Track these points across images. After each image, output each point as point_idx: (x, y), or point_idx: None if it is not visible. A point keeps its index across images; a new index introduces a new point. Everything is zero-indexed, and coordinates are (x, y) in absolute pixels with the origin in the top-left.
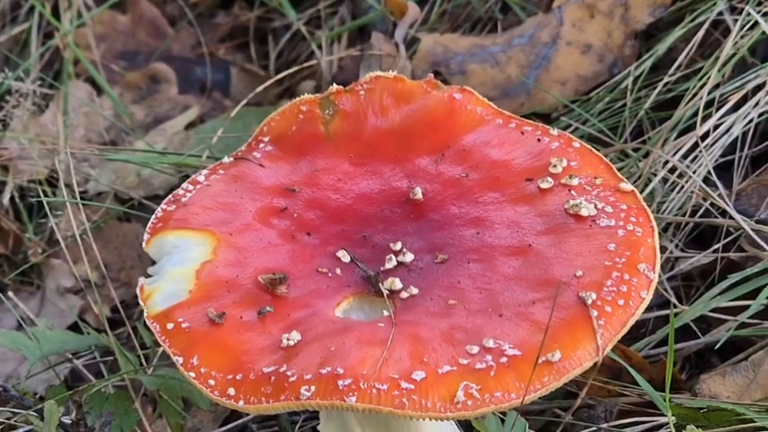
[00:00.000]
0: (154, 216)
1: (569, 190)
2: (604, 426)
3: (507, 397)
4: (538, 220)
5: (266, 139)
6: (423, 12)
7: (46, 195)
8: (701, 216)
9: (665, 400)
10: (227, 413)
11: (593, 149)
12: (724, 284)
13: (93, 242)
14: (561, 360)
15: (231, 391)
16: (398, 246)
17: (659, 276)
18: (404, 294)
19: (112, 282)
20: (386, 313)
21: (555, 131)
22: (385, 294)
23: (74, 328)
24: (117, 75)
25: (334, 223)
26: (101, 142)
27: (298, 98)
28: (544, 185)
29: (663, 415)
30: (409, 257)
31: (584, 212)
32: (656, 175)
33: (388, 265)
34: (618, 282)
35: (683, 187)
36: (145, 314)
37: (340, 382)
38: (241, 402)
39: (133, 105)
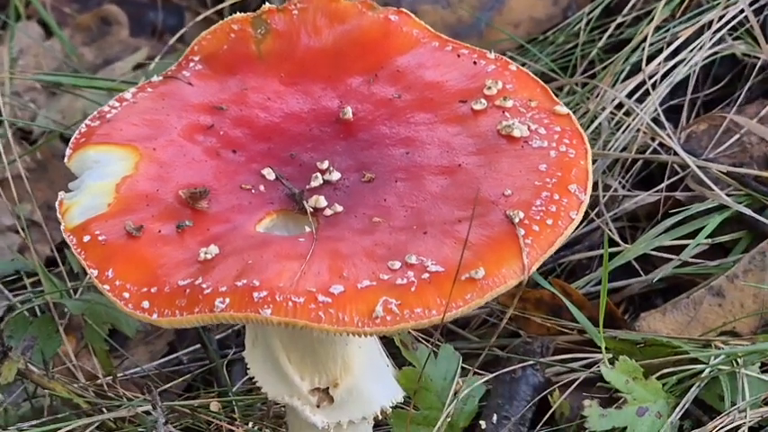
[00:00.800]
0: (77, 131)
1: (503, 111)
2: (540, 360)
3: (427, 314)
4: (469, 140)
5: (196, 59)
6: None
7: None
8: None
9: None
10: (163, 350)
11: (530, 74)
12: (668, 222)
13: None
14: (485, 277)
15: (145, 303)
16: (325, 165)
17: (604, 216)
18: (328, 212)
19: (55, 222)
20: (308, 229)
21: (492, 55)
22: (308, 211)
23: None
24: (68, 17)
25: (260, 141)
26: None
27: (229, 17)
28: (477, 107)
29: (600, 352)
30: (336, 176)
31: (516, 133)
32: (603, 112)
33: (314, 184)
34: (547, 201)
35: (629, 126)
36: (62, 228)
37: (255, 294)
38: (155, 315)
39: (83, 47)
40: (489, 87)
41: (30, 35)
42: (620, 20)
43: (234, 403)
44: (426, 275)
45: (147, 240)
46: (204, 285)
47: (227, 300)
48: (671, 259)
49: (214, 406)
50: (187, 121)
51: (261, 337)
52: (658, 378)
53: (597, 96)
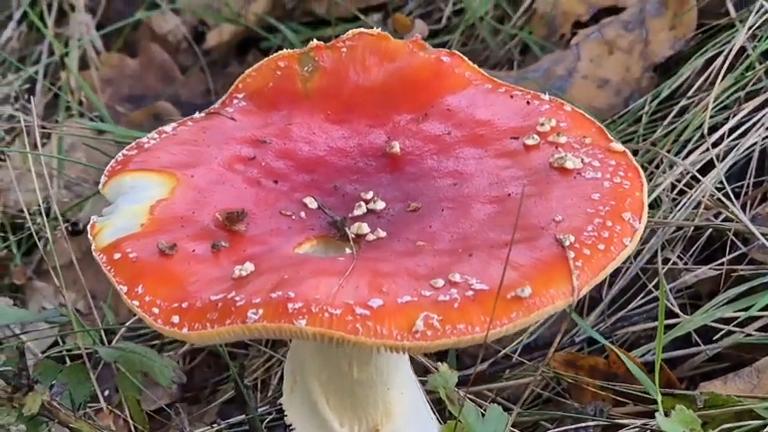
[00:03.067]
0: (113, 160)
1: (556, 147)
2: (592, 424)
3: (470, 330)
4: (520, 173)
5: (240, 96)
6: None
7: (38, 226)
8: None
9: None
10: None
11: (585, 114)
12: (730, 293)
13: (81, 273)
14: (532, 296)
15: (175, 318)
16: (370, 195)
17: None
18: (370, 237)
19: (98, 311)
20: (348, 252)
21: (546, 96)
22: (350, 237)
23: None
24: (121, 115)
25: (303, 173)
26: (97, 179)
27: (276, 54)
28: (530, 142)
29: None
30: (380, 205)
31: (569, 165)
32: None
33: (357, 212)
34: (599, 227)
35: (691, 197)
36: (92, 248)
37: (290, 305)
38: (185, 329)
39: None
40: (542, 124)
41: (80, 132)
42: (683, 102)
43: None
44: (470, 293)
45: (179, 258)
46: (237, 298)
47: (261, 311)
48: (732, 332)
49: None
50: (228, 152)
51: (299, 382)
52: None
53: (657, 167)
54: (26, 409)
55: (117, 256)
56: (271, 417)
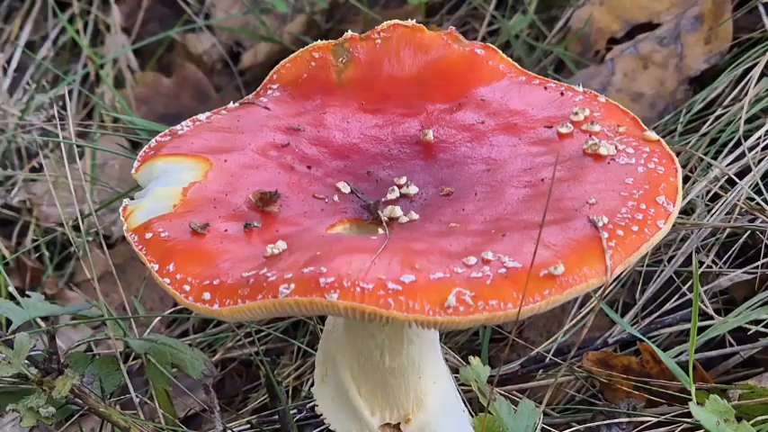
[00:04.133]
0: (147, 146)
1: (590, 135)
2: (624, 420)
3: (503, 306)
4: (553, 159)
5: (275, 87)
6: None
7: (70, 239)
8: (745, 233)
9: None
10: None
11: (620, 105)
12: (766, 296)
13: (119, 280)
14: (565, 274)
15: (206, 295)
16: (403, 180)
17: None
18: (403, 219)
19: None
20: (381, 232)
21: (580, 88)
22: (383, 221)
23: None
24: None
25: (337, 159)
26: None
27: (310, 44)
28: (563, 130)
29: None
30: (413, 190)
31: (602, 151)
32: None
33: (390, 196)
34: (633, 210)
35: (726, 201)
36: (124, 229)
37: (322, 280)
38: (216, 306)
39: None
40: (576, 113)
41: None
42: (719, 112)
43: None
44: (503, 270)
45: (211, 238)
46: (269, 274)
47: (292, 285)
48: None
49: None
50: (262, 139)
51: (330, 372)
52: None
53: (692, 171)
54: (56, 392)
55: (149, 235)
56: (301, 415)
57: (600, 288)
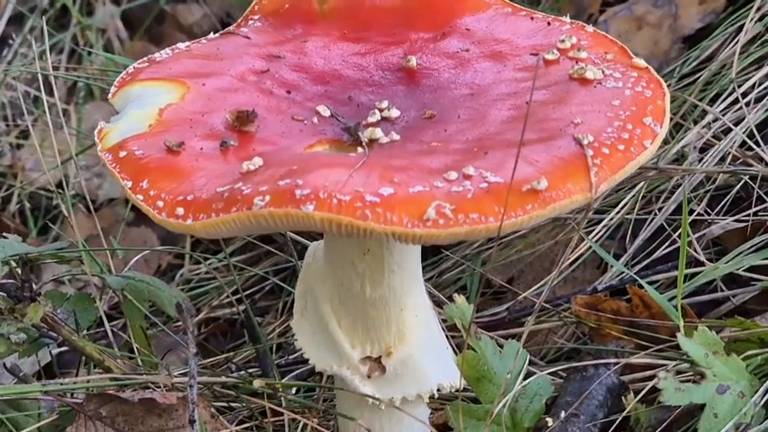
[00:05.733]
0: (124, 72)
1: (576, 61)
2: (613, 361)
3: (484, 220)
4: (538, 84)
5: (256, 17)
6: None
7: (55, 202)
8: (738, 183)
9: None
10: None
11: (608, 35)
12: (757, 241)
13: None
14: (548, 189)
15: (180, 210)
16: (385, 104)
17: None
18: (384, 140)
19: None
20: (360, 151)
21: (567, 19)
22: (363, 141)
23: None
24: None
25: (317, 84)
26: None
27: None
28: (549, 56)
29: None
30: (395, 113)
31: (589, 75)
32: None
33: (371, 119)
34: (619, 129)
35: (718, 149)
36: (98, 149)
37: (298, 192)
38: (189, 220)
39: None
40: (563, 41)
41: (100, 114)
42: (713, 66)
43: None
44: (484, 185)
45: (186, 155)
46: (244, 188)
47: (267, 197)
48: (760, 280)
49: (258, 383)
50: (242, 66)
51: (310, 305)
52: (742, 360)
53: (684, 119)
54: (27, 319)
55: (123, 153)
56: (283, 360)
57: (584, 209)
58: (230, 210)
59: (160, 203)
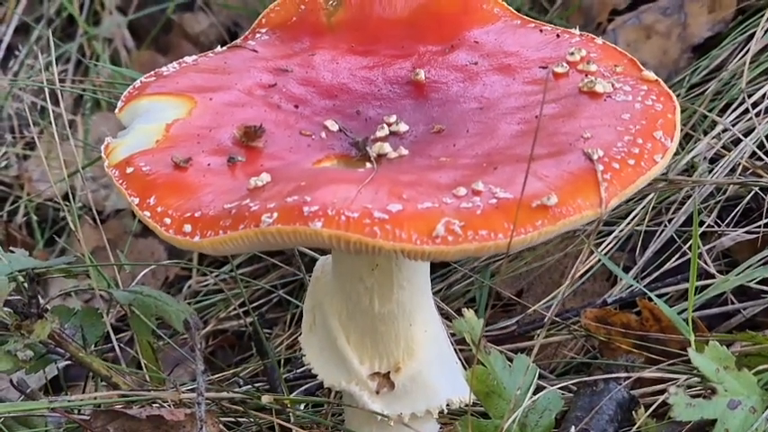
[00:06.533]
0: (131, 86)
1: (586, 74)
2: (623, 375)
3: (493, 236)
4: (548, 98)
5: (264, 30)
6: None
7: (61, 216)
8: (748, 194)
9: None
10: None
11: (617, 47)
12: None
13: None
14: (558, 205)
15: (187, 227)
16: (393, 118)
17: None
18: (392, 155)
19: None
20: (369, 166)
21: (576, 31)
22: (372, 156)
23: None
24: None
25: (325, 99)
26: None
27: None
28: (559, 69)
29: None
30: (403, 128)
31: (599, 89)
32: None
33: (379, 134)
34: (629, 144)
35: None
36: (105, 165)
37: (306, 209)
38: (197, 238)
39: None
40: (572, 54)
41: (107, 125)
42: (723, 75)
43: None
44: (494, 200)
45: (193, 171)
46: (252, 205)
47: (275, 215)
48: None
49: (266, 399)
50: (249, 80)
51: (318, 320)
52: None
53: (694, 129)
54: (35, 335)
55: (130, 170)
56: (291, 374)
57: (594, 223)
58: (238, 227)
59: (167, 220)
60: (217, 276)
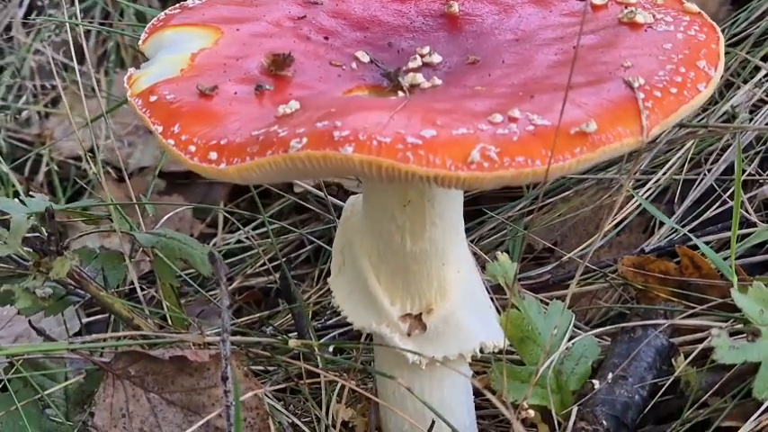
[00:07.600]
0: (155, 18)
1: (625, 6)
2: (662, 321)
3: (531, 163)
4: (586, 29)
5: None
6: None
7: (86, 172)
8: None
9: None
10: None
11: None
12: None
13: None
14: (597, 132)
15: (213, 155)
16: (426, 50)
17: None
18: (426, 85)
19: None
20: (401, 95)
21: None
22: (404, 86)
23: None
24: None
25: (356, 31)
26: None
27: None
28: (597, 1)
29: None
30: (437, 59)
31: (639, 19)
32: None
33: (412, 65)
34: (672, 73)
35: None
36: (128, 94)
37: (336, 134)
38: (223, 165)
39: None
40: None
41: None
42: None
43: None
44: (531, 127)
45: (220, 99)
46: (280, 131)
47: (305, 140)
48: None
49: (293, 342)
50: (278, 12)
51: (348, 260)
52: None
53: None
54: (53, 273)
55: (153, 98)
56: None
57: (635, 152)
58: (266, 153)
59: (192, 148)
60: (247, 230)
